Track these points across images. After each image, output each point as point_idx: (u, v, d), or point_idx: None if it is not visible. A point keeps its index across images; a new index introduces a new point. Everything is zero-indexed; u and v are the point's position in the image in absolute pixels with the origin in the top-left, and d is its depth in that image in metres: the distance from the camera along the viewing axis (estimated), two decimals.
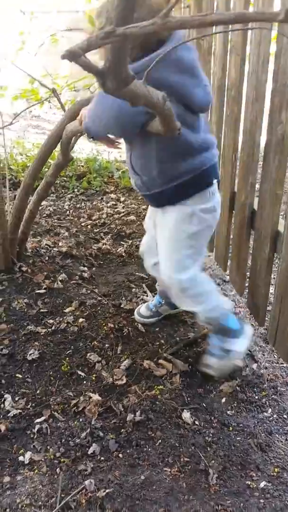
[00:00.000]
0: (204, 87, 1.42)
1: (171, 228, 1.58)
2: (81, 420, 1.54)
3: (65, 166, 2.18)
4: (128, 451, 1.45)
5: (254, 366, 1.76)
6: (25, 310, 2.05)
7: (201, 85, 1.40)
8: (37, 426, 1.51)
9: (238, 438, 1.50)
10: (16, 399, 1.61)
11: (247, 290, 1.97)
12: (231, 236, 2.04)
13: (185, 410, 1.57)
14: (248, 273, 1.89)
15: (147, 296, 2.16)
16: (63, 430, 1.50)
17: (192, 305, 1.68)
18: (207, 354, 1.72)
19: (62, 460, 1.41)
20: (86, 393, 1.63)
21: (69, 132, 1.81)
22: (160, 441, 1.48)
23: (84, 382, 1.69)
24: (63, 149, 1.98)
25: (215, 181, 1.54)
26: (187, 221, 1.54)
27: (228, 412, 1.59)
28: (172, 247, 1.60)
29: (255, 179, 1.76)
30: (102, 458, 1.42)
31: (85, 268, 2.39)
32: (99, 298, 2.15)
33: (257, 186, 1.78)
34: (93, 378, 1.70)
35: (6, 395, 1.62)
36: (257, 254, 1.71)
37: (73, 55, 0.63)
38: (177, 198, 1.53)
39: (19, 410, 1.56)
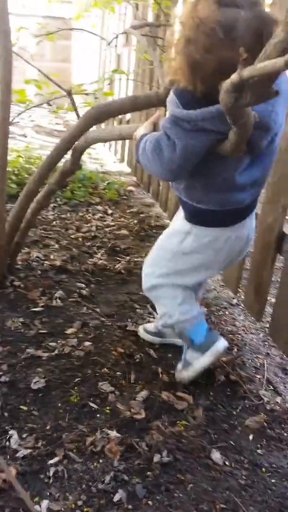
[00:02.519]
0: (272, 139, 1.27)
1: (167, 233, 1.59)
2: (101, 461, 1.36)
3: (72, 174, 2.01)
4: (157, 497, 1.29)
5: (279, 399, 1.66)
6: (22, 330, 1.85)
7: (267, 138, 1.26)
8: (52, 469, 1.31)
9: (273, 481, 1.37)
10: (24, 436, 1.41)
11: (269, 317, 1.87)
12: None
13: (213, 449, 1.43)
14: (269, 298, 1.80)
15: (153, 318, 2.01)
16: (81, 474, 1.32)
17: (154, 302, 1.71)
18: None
19: (85, 509, 1.23)
20: (102, 429, 1.46)
21: (90, 140, 1.66)
22: (191, 485, 1.33)
23: (98, 415, 1.52)
24: (75, 156, 1.82)
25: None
26: (180, 237, 1.51)
27: (258, 451, 1.46)
28: (158, 250, 1.61)
29: None
30: (130, 506, 1.25)
31: (83, 285, 2.21)
32: (102, 319, 1.98)
33: None
34: (107, 411, 1.53)
35: (11, 431, 1.41)
36: None
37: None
38: (190, 217, 1.47)
39: (29, 450, 1.36)
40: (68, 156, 1.89)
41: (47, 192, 1.99)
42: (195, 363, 1.61)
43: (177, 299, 1.61)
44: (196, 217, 1.43)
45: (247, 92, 0.73)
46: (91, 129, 1.66)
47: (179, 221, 1.53)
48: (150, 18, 3.40)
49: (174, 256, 1.54)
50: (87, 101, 2.52)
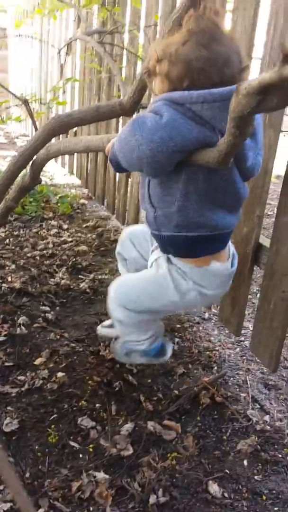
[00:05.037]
0: (257, 155, 1.20)
1: (151, 278, 1.38)
2: (91, 509, 1.22)
3: (30, 190, 1.86)
4: None
5: (267, 418, 1.59)
6: None
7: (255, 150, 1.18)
8: None
9: (275, 509, 1.29)
10: (1, 487, 1.25)
11: (249, 332, 1.80)
12: None
13: (210, 481, 1.34)
14: (246, 312, 1.73)
15: None
16: None
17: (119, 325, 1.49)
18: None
19: None
20: (88, 471, 1.32)
21: (52, 153, 1.53)
22: None
23: (81, 455, 1.38)
24: (35, 170, 1.68)
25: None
26: (173, 283, 1.31)
27: (256, 477, 1.38)
28: (140, 289, 1.39)
29: (263, 211, 1.61)
30: None
31: (47, 308, 2.05)
32: (72, 344, 1.83)
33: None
34: (91, 449, 1.40)
35: None
36: (269, 293, 1.56)
37: None
38: (184, 251, 1.28)
39: (8, 504, 1.20)
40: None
41: (4, 210, 1.83)
42: (138, 358, 1.56)
43: (148, 332, 1.47)
44: (190, 247, 1.25)
45: (274, 94, 0.65)
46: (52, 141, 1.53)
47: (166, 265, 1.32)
48: (95, 26, 3.30)
49: (162, 300, 1.35)
50: (39, 112, 2.38)
